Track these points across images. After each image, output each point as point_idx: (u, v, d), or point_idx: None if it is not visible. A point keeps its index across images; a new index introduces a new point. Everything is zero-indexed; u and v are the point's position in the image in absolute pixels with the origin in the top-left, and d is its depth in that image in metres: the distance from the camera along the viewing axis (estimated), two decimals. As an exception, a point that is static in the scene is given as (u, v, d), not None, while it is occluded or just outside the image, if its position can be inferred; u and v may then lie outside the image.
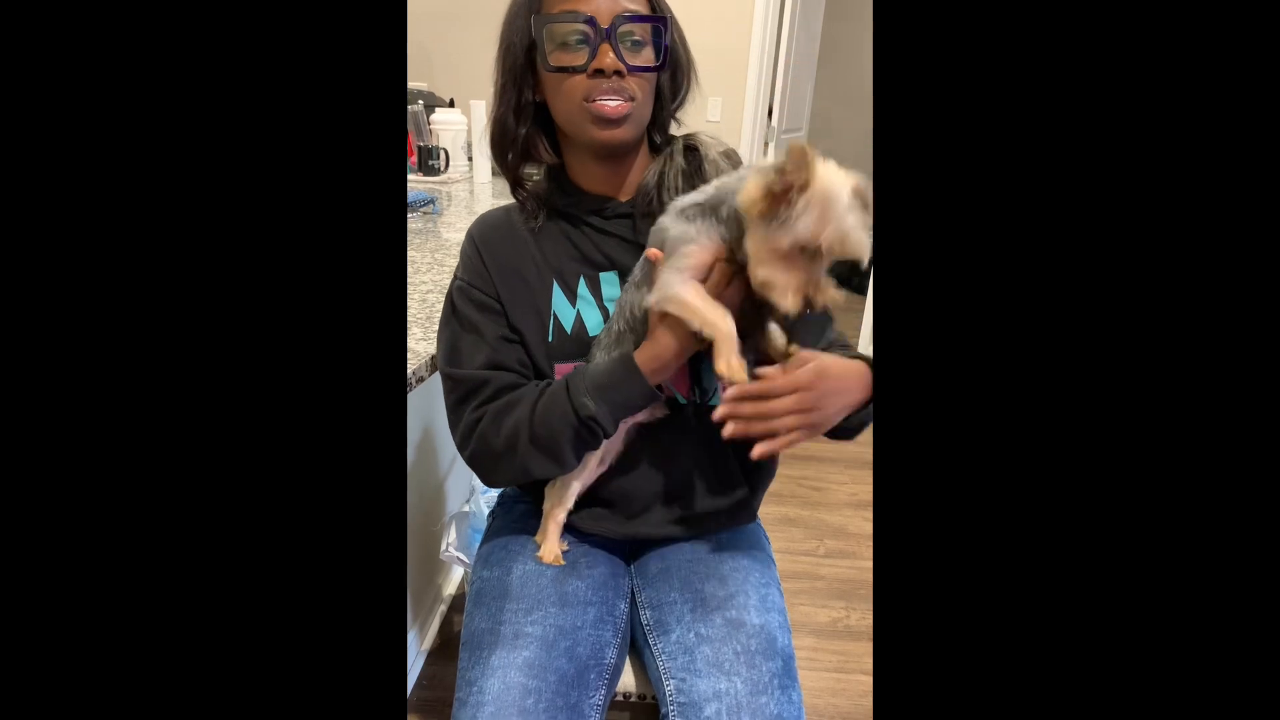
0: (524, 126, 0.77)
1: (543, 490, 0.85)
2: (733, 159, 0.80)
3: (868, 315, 2.89)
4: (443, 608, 1.56)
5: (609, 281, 0.80)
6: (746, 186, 0.63)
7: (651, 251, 0.70)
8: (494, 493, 1.33)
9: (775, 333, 0.73)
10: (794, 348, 0.71)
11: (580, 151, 0.78)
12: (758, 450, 0.68)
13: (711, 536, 0.88)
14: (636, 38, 0.71)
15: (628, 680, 0.82)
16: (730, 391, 0.67)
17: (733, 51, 2.62)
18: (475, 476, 1.50)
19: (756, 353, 0.73)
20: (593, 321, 0.79)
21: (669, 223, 0.70)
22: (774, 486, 0.94)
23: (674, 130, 0.83)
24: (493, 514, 0.98)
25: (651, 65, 0.73)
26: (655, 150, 0.83)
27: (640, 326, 0.73)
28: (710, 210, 0.68)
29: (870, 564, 1.82)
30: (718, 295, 0.69)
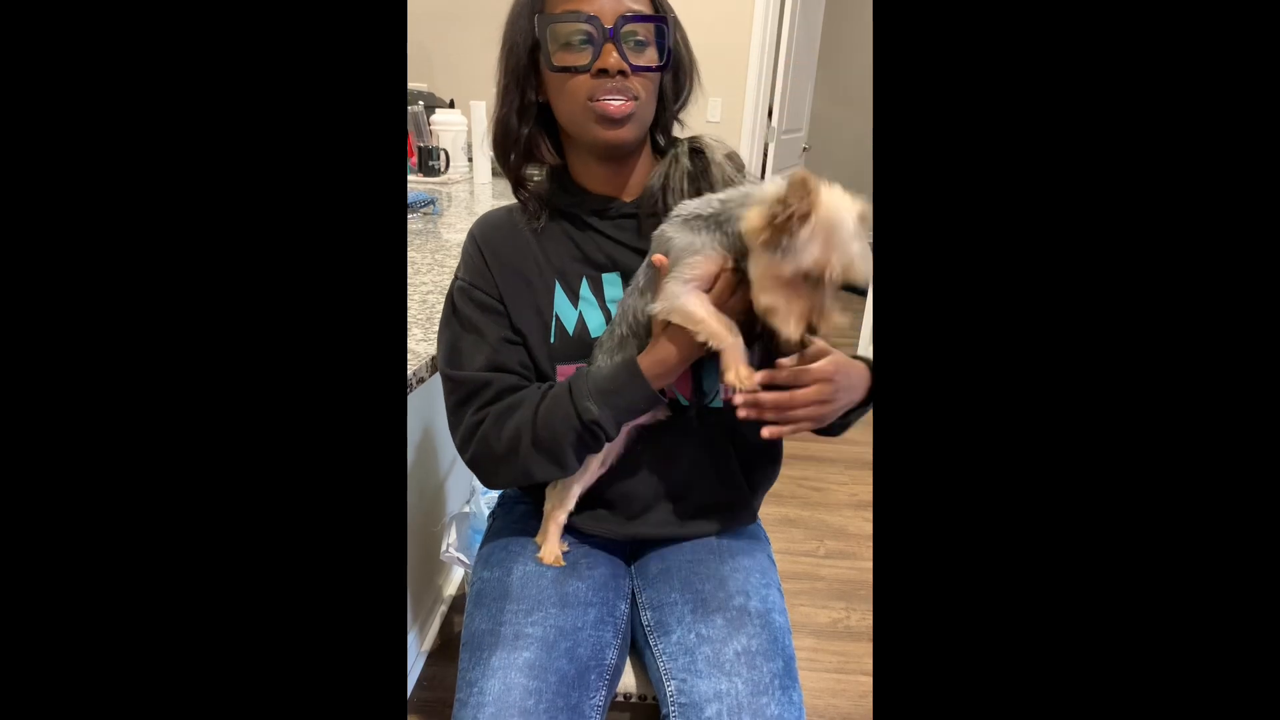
0: (527, 127, 0.77)
1: (543, 491, 0.85)
2: (735, 161, 0.80)
3: (868, 315, 2.89)
4: (443, 608, 1.56)
5: (611, 283, 0.80)
6: (749, 215, 0.63)
7: (657, 258, 0.70)
8: (494, 493, 1.33)
9: None
10: (808, 336, 0.71)
11: (583, 152, 0.78)
12: (768, 431, 0.68)
13: (712, 537, 0.88)
14: (640, 38, 0.71)
15: (628, 681, 0.82)
16: (759, 376, 0.66)
17: (733, 52, 2.63)
18: (476, 477, 1.50)
19: (766, 350, 0.73)
20: (595, 323, 0.79)
21: (674, 232, 0.70)
22: (775, 487, 0.94)
23: (676, 132, 0.84)
24: (493, 515, 0.98)
25: (655, 65, 0.73)
26: (658, 151, 0.83)
27: (644, 330, 0.73)
28: (715, 224, 0.68)
29: (870, 564, 1.82)
30: (722, 304, 0.69)
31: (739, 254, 0.67)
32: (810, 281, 0.62)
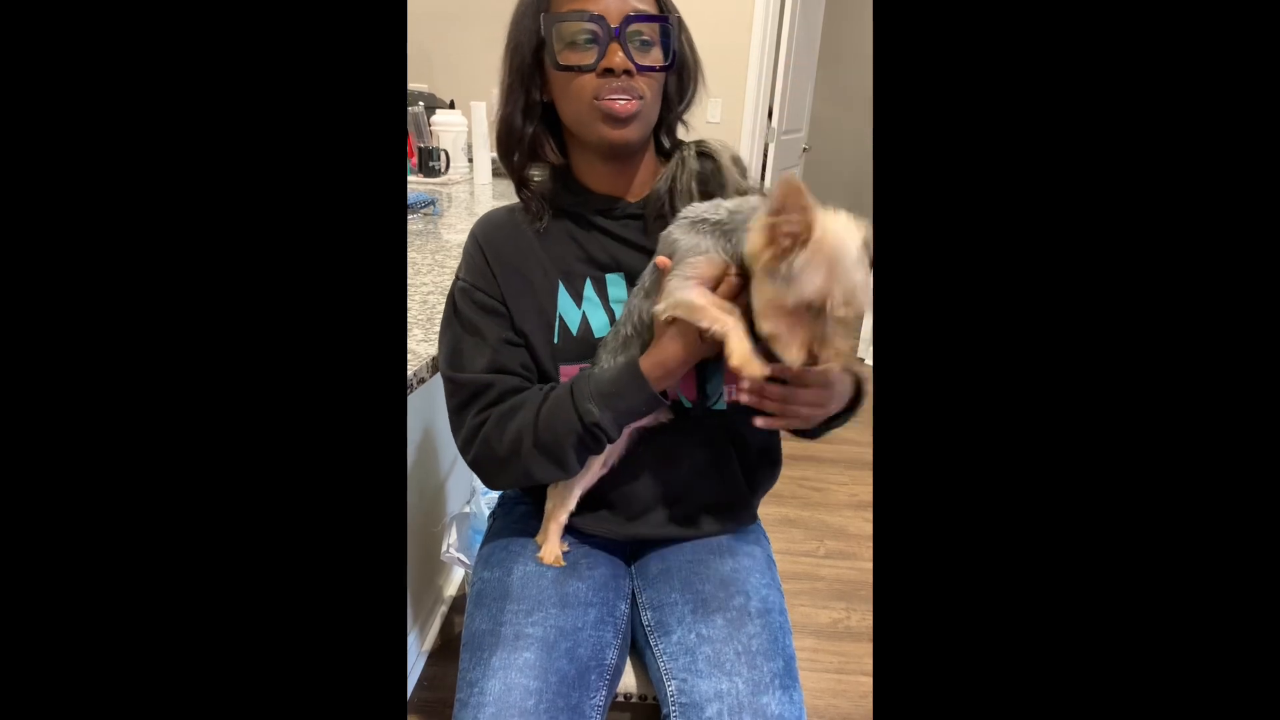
0: (531, 126, 0.77)
1: (544, 492, 0.85)
2: (739, 165, 0.80)
3: (868, 316, 2.89)
4: (443, 609, 1.56)
5: (615, 283, 0.80)
6: (751, 238, 0.63)
7: (661, 259, 0.70)
8: (494, 494, 1.33)
9: None
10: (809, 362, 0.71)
11: (587, 151, 0.78)
12: (763, 421, 0.70)
13: (712, 537, 0.88)
14: (645, 37, 0.72)
15: (629, 681, 0.82)
16: (766, 370, 0.66)
17: (733, 52, 2.63)
18: (476, 478, 1.50)
19: (766, 350, 0.73)
20: (598, 323, 0.79)
21: (679, 234, 0.70)
22: (774, 487, 0.94)
23: (680, 133, 0.83)
24: (493, 515, 0.98)
25: (660, 65, 0.73)
26: (661, 153, 0.83)
27: (648, 331, 0.73)
28: (721, 232, 0.68)
29: (870, 565, 1.82)
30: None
31: (743, 264, 0.67)
32: (813, 310, 0.62)
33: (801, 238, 0.59)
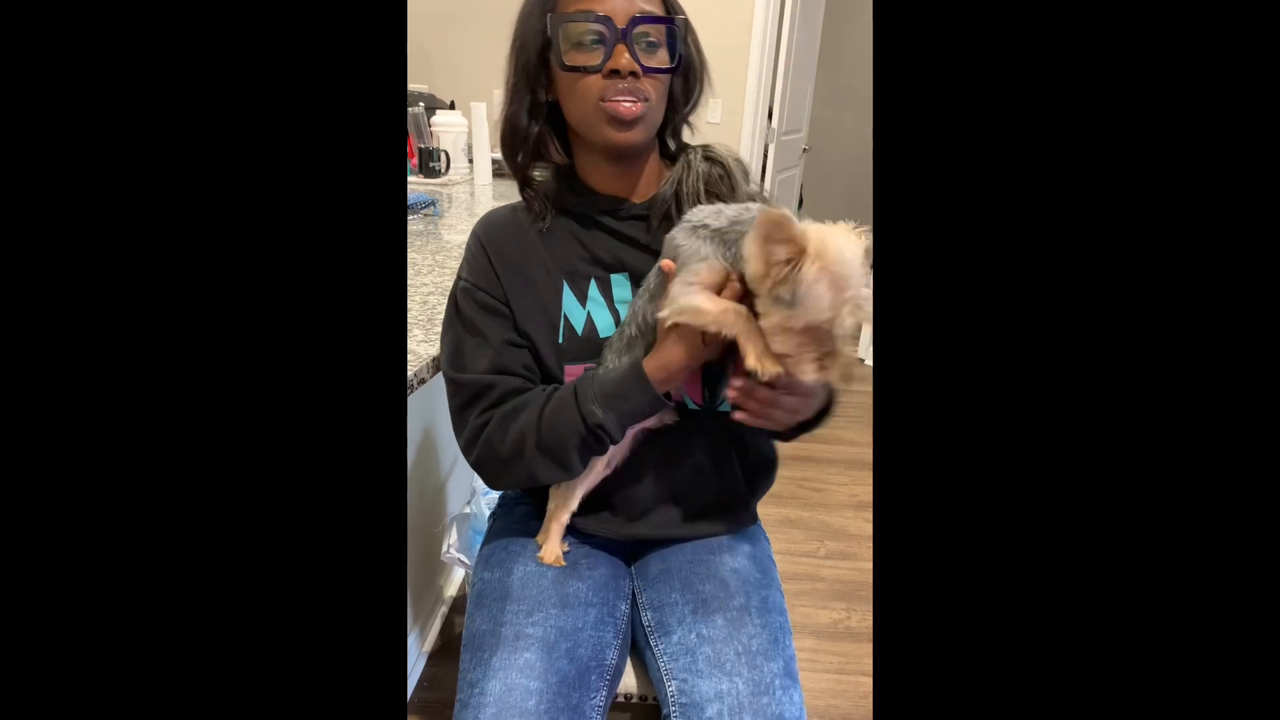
0: (536, 125, 0.77)
1: (544, 492, 0.85)
2: (742, 167, 0.80)
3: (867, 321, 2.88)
4: (444, 609, 1.56)
5: (619, 283, 0.80)
6: (749, 267, 0.63)
7: (665, 263, 0.70)
8: (495, 494, 1.33)
9: None
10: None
11: (592, 152, 0.78)
12: (740, 415, 0.71)
13: (712, 538, 0.88)
14: (652, 39, 0.71)
15: (629, 681, 0.82)
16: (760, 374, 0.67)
17: (733, 53, 2.63)
18: (476, 478, 1.51)
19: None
20: (604, 323, 0.79)
21: (683, 238, 0.70)
22: (775, 488, 0.94)
23: (685, 136, 0.83)
24: (493, 515, 0.98)
25: (666, 67, 0.73)
26: (666, 155, 0.83)
27: (652, 333, 0.73)
28: (722, 239, 0.68)
29: (871, 565, 1.82)
30: None
31: (743, 272, 0.67)
32: (822, 329, 0.62)
33: (797, 261, 0.59)
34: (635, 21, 0.70)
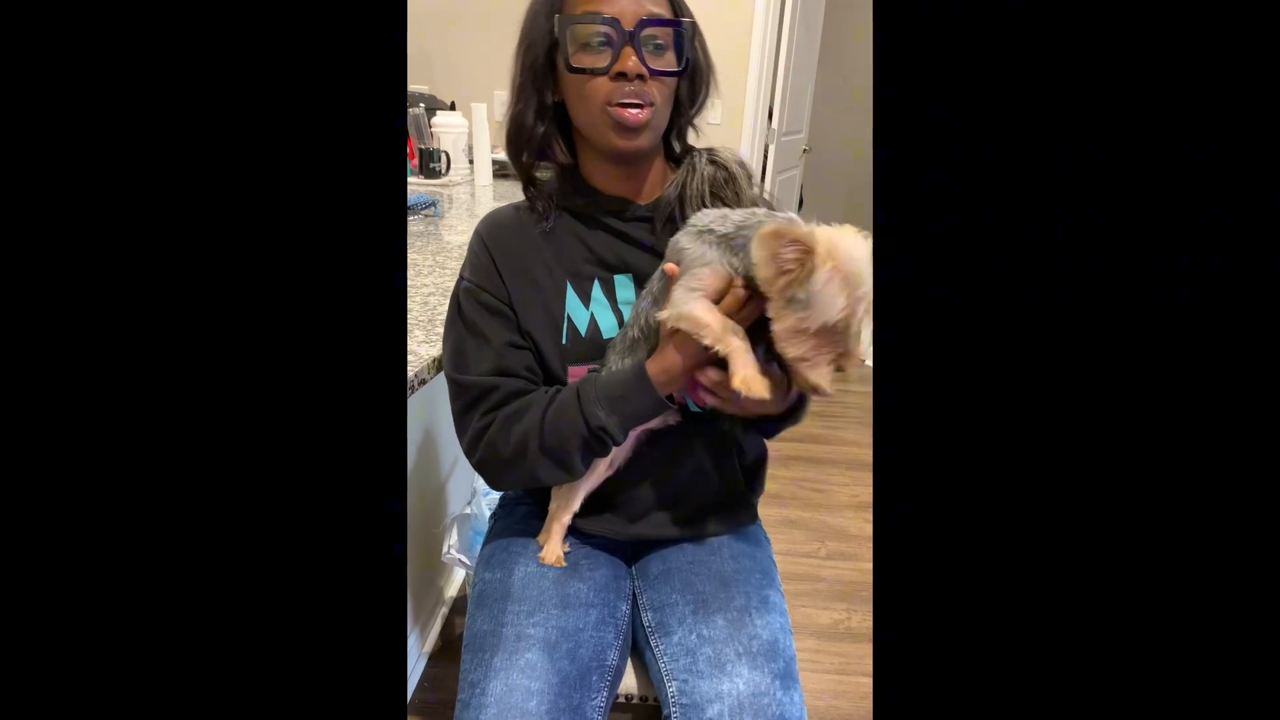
0: (542, 125, 0.77)
1: (545, 493, 0.85)
2: (745, 169, 0.80)
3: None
4: (444, 610, 1.56)
5: (623, 284, 0.80)
6: (759, 271, 0.63)
7: (669, 266, 0.70)
8: (495, 495, 1.33)
9: None
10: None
11: (596, 153, 0.78)
12: (709, 400, 0.72)
13: (713, 538, 0.88)
14: (659, 41, 0.71)
15: (629, 682, 0.82)
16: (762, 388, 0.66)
17: (733, 54, 2.63)
18: (477, 479, 1.51)
19: (768, 353, 0.73)
20: (607, 324, 0.79)
21: (687, 242, 0.70)
22: (775, 488, 0.95)
23: (690, 138, 0.83)
24: (494, 516, 0.98)
25: (673, 70, 0.73)
26: (671, 157, 0.83)
27: (654, 335, 0.73)
28: (727, 244, 0.68)
29: (871, 566, 1.81)
30: (730, 317, 0.68)
31: (749, 276, 0.67)
32: (837, 330, 0.62)
33: (807, 263, 0.60)
34: (643, 24, 0.69)
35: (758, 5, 2.57)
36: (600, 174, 0.80)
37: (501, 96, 2.58)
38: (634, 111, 0.71)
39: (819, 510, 2.09)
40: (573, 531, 0.86)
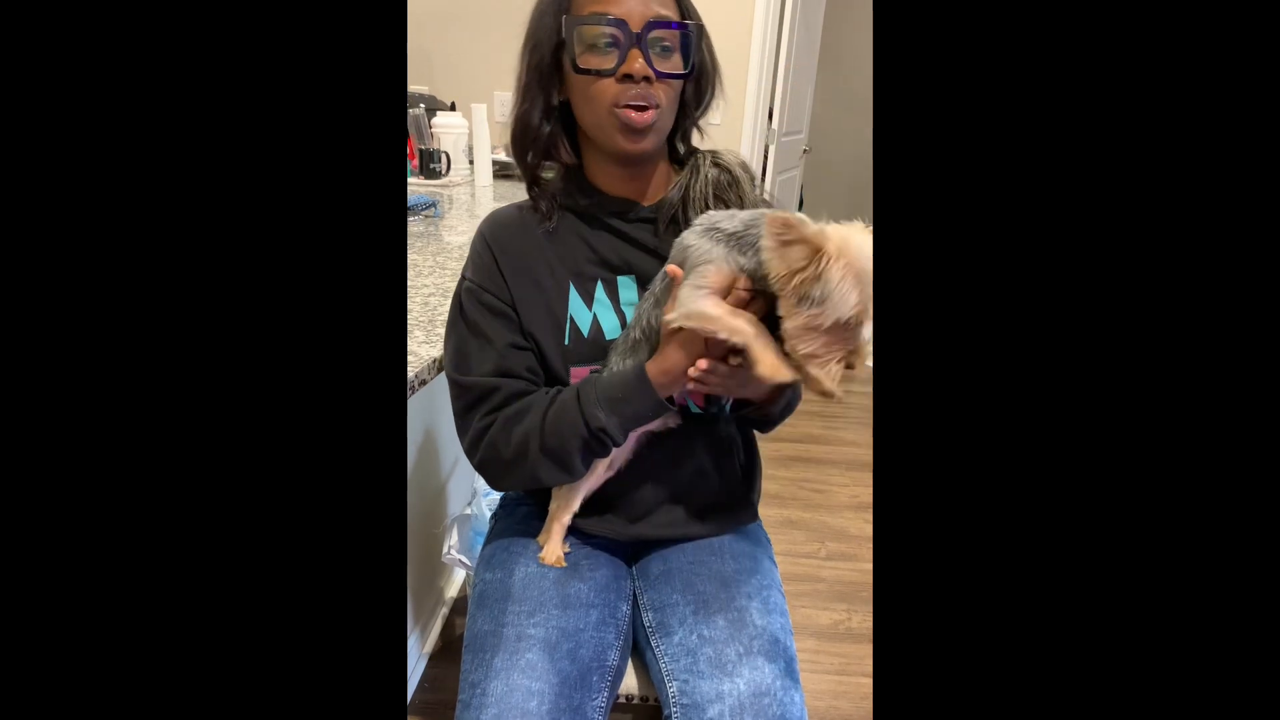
0: (548, 126, 0.77)
1: (547, 493, 0.85)
2: (748, 171, 0.80)
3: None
4: (444, 610, 1.56)
5: (626, 285, 0.80)
6: (771, 267, 0.63)
7: (671, 268, 0.70)
8: (495, 496, 1.33)
9: None
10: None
11: (601, 154, 0.78)
12: (692, 386, 0.71)
13: (713, 538, 0.88)
14: (666, 43, 0.71)
15: (630, 682, 0.82)
16: (788, 374, 0.66)
17: (733, 55, 2.63)
18: (477, 479, 1.51)
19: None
20: (609, 325, 0.79)
21: (693, 240, 0.70)
22: (776, 489, 0.95)
23: (694, 140, 0.83)
24: (495, 516, 0.98)
25: (680, 72, 0.73)
26: (675, 159, 0.83)
27: (656, 336, 0.73)
28: (736, 242, 0.68)
29: (872, 566, 1.81)
30: None
31: (755, 276, 0.67)
32: (850, 326, 0.62)
33: (815, 260, 0.60)
34: (650, 26, 0.69)
35: (758, 5, 2.56)
36: (604, 175, 0.80)
37: (502, 97, 2.58)
38: (639, 113, 0.71)
39: (819, 511, 2.09)
40: (573, 532, 0.86)
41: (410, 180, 2.04)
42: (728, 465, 0.87)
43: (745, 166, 0.80)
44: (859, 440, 2.53)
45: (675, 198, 0.78)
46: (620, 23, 0.69)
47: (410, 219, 1.55)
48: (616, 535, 0.86)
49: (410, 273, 1.13)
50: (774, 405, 0.81)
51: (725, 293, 0.68)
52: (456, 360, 0.78)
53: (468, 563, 1.23)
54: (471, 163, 2.15)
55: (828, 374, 0.64)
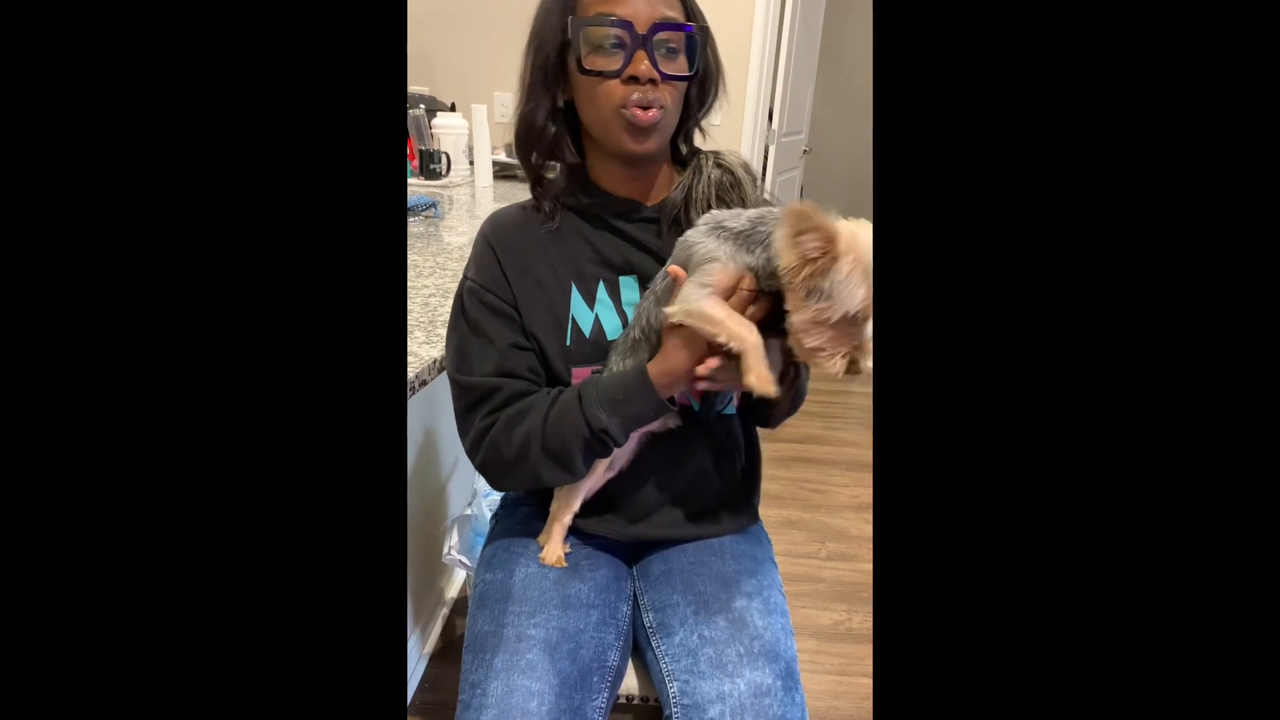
0: (553, 125, 0.77)
1: (548, 492, 0.85)
2: (751, 172, 0.80)
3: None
4: (445, 611, 1.56)
5: (628, 286, 0.80)
6: (782, 254, 0.63)
7: (673, 268, 0.70)
8: (496, 496, 1.33)
9: None
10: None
11: (605, 154, 0.78)
12: (701, 385, 0.72)
13: (714, 538, 0.88)
14: (671, 45, 0.71)
15: (630, 683, 0.82)
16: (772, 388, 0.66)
17: (733, 55, 2.63)
18: (478, 480, 1.51)
19: (784, 355, 0.73)
20: (611, 325, 0.79)
21: (697, 238, 0.70)
22: (776, 489, 0.95)
23: (697, 140, 0.83)
24: (495, 517, 0.98)
25: (685, 74, 0.73)
26: (677, 159, 0.83)
27: (656, 336, 0.73)
28: (742, 240, 0.68)
29: (872, 567, 1.81)
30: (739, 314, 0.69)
31: (761, 276, 0.67)
32: (857, 321, 0.63)
33: (828, 253, 0.60)
34: (656, 28, 0.69)
35: (758, 6, 2.57)
36: (608, 175, 0.80)
37: (502, 98, 2.58)
38: (645, 111, 0.71)
39: (819, 511, 2.09)
40: (574, 532, 0.86)
41: (410, 181, 2.04)
42: (728, 466, 0.87)
43: (747, 167, 0.80)
44: (859, 440, 2.53)
45: (678, 198, 0.78)
46: (626, 24, 0.69)
47: (410, 220, 1.55)
48: (617, 536, 0.86)
49: (410, 273, 1.13)
50: (779, 402, 0.81)
51: (730, 292, 0.68)
52: (458, 360, 0.78)
53: (468, 563, 1.23)
54: (471, 163, 2.16)
55: (834, 367, 0.65)
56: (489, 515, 1.07)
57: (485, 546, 0.92)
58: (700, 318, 0.67)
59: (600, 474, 0.81)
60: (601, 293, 0.79)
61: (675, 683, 0.73)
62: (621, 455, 0.81)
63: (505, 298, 0.78)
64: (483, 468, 0.78)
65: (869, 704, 1.44)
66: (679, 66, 0.72)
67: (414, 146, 2.11)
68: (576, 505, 0.83)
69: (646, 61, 0.69)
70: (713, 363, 0.68)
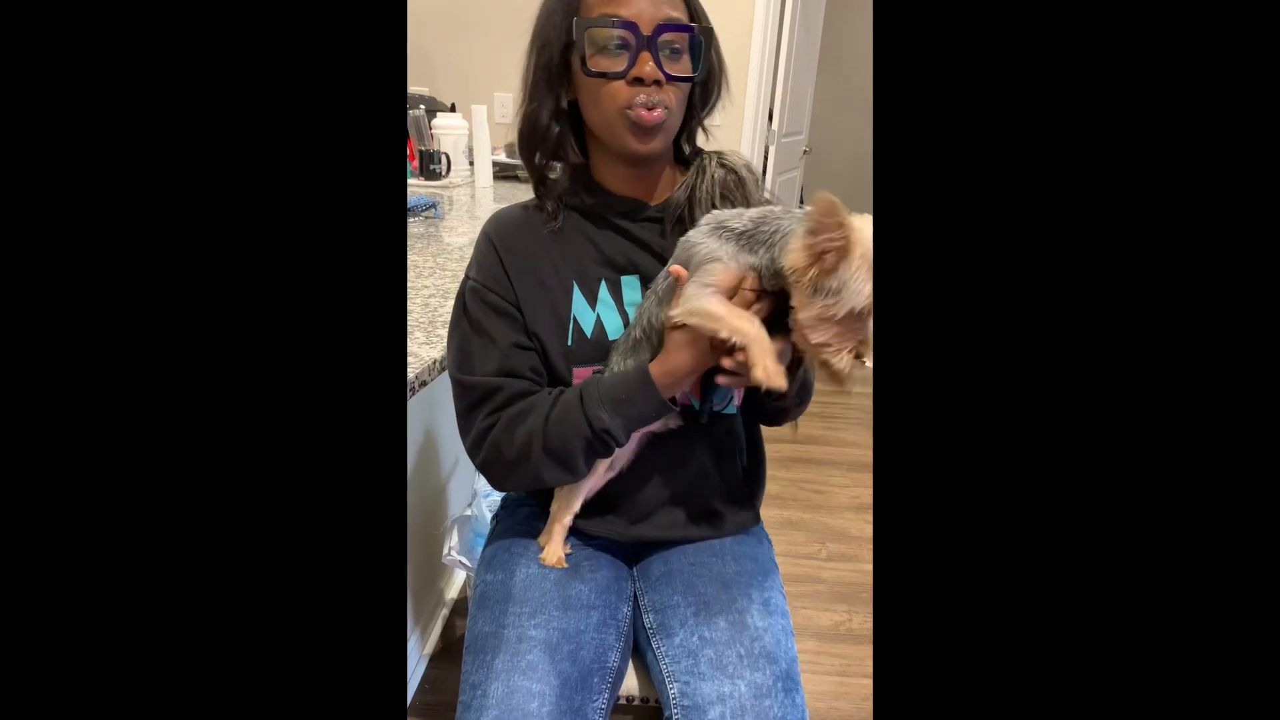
0: (558, 126, 0.76)
1: (548, 492, 0.85)
2: (753, 173, 0.80)
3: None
4: (445, 611, 1.56)
5: (630, 285, 0.80)
6: (793, 258, 0.63)
7: (675, 268, 0.70)
8: (496, 497, 1.33)
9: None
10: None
11: (608, 154, 0.78)
12: (721, 379, 0.71)
13: (714, 539, 0.88)
14: (676, 46, 0.71)
15: (630, 683, 0.82)
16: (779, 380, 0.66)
17: (733, 55, 2.62)
18: (478, 480, 1.51)
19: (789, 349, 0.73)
20: (613, 325, 0.79)
21: (700, 238, 0.70)
22: (776, 490, 0.95)
23: (700, 141, 0.83)
24: (496, 517, 0.98)
25: (689, 75, 0.73)
26: (680, 159, 0.83)
27: (657, 336, 0.73)
28: (745, 240, 0.68)
29: (872, 567, 1.81)
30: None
31: (765, 276, 0.67)
32: (860, 316, 0.63)
33: (843, 251, 0.60)
34: (660, 29, 0.69)
35: (758, 6, 2.57)
36: (612, 174, 0.79)
37: (502, 98, 2.58)
38: (649, 111, 0.71)
39: (820, 512, 2.09)
40: (574, 533, 0.86)
41: (410, 181, 2.04)
42: (729, 466, 0.87)
43: (750, 168, 0.80)
44: (859, 441, 2.53)
45: (681, 198, 0.78)
46: (631, 25, 0.69)
47: (410, 220, 1.55)
48: (617, 536, 0.86)
49: (410, 274, 1.13)
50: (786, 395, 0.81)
51: (732, 292, 0.68)
52: (459, 360, 0.78)
53: (468, 564, 1.23)
54: (471, 164, 2.16)
55: (839, 363, 0.65)
56: (489, 516, 1.07)
57: (485, 547, 0.92)
58: (701, 315, 0.67)
59: (601, 474, 0.81)
60: (603, 293, 0.79)
61: (675, 684, 0.73)
62: (622, 455, 0.81)
63: (507, 297, 0.78)
64: (484, 468, 0.78)
65: (869, 705, 1.44)
66: (683, 67, 0.72)
67: (414, 147, 2.11)
68: (577, 506, 0.83)
69: (651, 63, 0.69)
70: (728, 363, 0.68)
